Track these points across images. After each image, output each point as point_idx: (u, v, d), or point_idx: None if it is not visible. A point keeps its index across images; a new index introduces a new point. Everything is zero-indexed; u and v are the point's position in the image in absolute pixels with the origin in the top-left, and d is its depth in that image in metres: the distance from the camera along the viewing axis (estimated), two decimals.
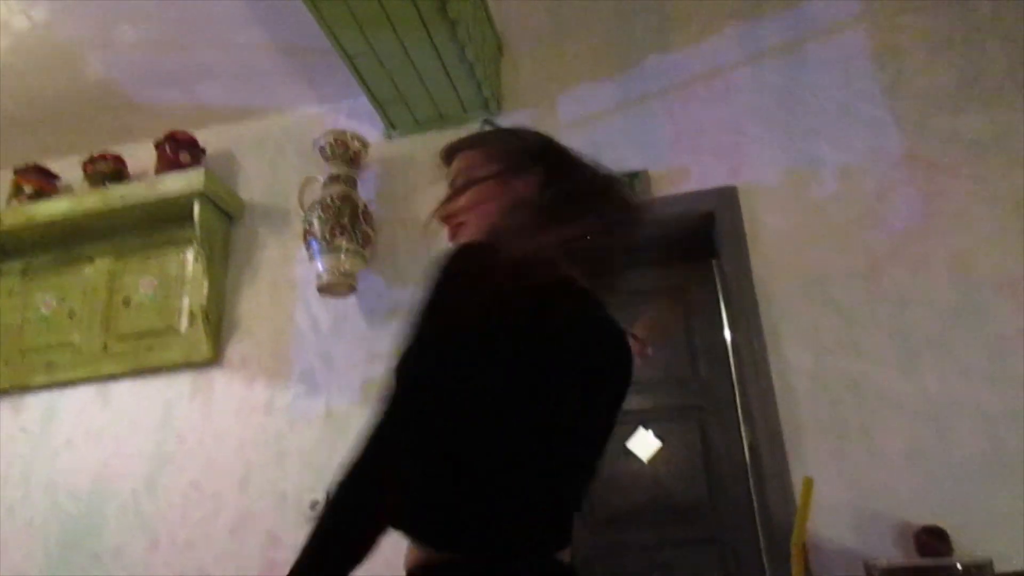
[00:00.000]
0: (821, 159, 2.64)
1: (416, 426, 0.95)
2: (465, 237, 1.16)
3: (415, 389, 0.97)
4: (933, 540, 2.12)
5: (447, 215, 1.21)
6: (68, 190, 3.22)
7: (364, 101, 2.96)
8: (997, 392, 2.26)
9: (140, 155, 3.21)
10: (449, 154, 1.27)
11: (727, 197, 2.68)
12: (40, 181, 3.16)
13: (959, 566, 2.00)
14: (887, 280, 2.44)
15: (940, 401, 2.28)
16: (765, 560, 2.46)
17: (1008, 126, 2.52)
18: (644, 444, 2.80)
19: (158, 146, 3.07)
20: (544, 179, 1.17)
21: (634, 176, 2.73)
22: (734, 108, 2.78)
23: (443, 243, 1.14)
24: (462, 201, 1.19)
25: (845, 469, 2.29)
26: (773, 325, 2.48)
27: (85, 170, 3.13)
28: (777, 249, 2.57)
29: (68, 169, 3.29)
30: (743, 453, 2.65)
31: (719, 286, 2.82)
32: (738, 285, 2.58)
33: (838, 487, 2.27)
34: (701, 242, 2.80)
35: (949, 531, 2.11)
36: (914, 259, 2.44)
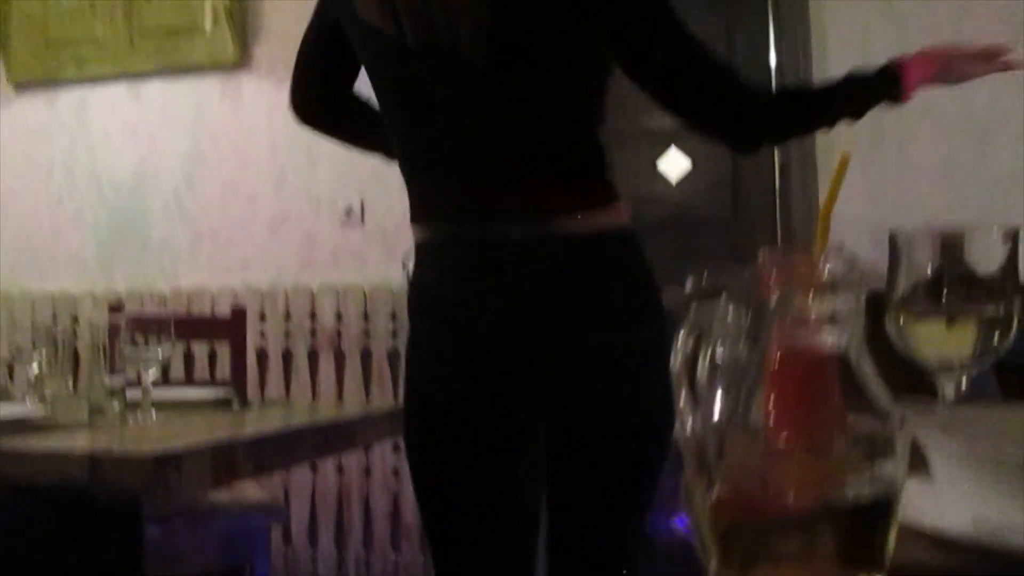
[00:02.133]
0: None
1: None
2: None
3: None
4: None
5: None
6: None
7: None
8: None
9: None
10: None
11: None
12: None
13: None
14: None
15: (985, 114, 2.22)
16: None
17: None
18: (673, 164, 2.79)
19: None
20: None
21: None
22: None
23: None
24: None
25: (874, 184, 2.28)
26: (822, 35, 2.35)
27: None
28: None
29: None
30: (773, 173, 2.65)
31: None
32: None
33: (863, 201, 2.27)
34: None
35: None
36: None
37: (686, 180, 2.78)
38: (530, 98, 1.12)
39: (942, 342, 0.60)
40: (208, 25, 2.84)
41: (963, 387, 0.62)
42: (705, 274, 0.44)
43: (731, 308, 0.41)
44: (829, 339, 0.36)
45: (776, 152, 2.60)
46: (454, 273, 1.13)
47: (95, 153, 2.97)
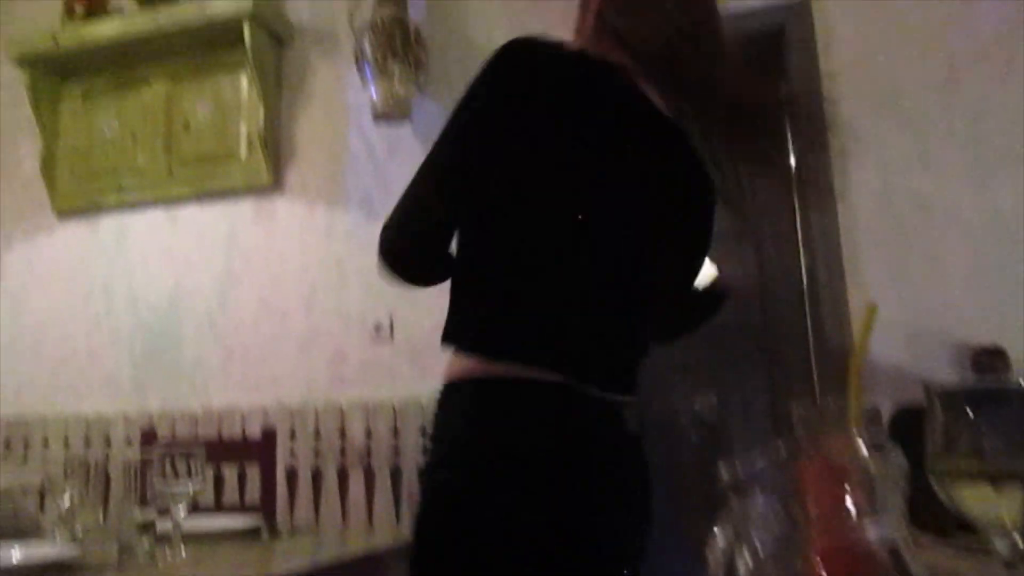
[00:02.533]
0: None
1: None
2: None
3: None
4: (991, 359, 2.11)
5: None
6: (119, 10, 3.18)
7: None
8: None
9: None
10: None
11: (799, 10, 2.51)
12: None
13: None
14: (966, 90, 2.30)
15: (1012, 218, 2.21)
16: (816, 380, 2.50)
17: None
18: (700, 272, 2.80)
19: None
20: None
21: None
22: None
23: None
24: None
25: (905, 289, 2.26)
26: (840, 144, 2.39)
27: None
28: (849, 63, 2.43)
29: None
30: (801, 277, 2.64)
31: (786, 106, 2.71)
32: (806, 104, 2.46)
33: (895, 307, 2.26)
34: (767, 60, 2.66)
35: (1009, 350, 2.10)
36: (998, 66, 2.29)
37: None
38: (662, 281, 1.16)
39: (989, 503, 0.57)
40: (243, 151, 2.97)
41: (1020, 546, 0.60)
42: (738, 465, 0.43)
43: (767, 505, 0.40)
44: (873, 534, 0.35)
45: (802, 254, 2.60)
46: (577, 428, 1.00)
47: (132, 276, 3.06)
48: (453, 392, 1.03)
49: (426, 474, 1.05)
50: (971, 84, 2.30)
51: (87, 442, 2.92)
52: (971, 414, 0.59)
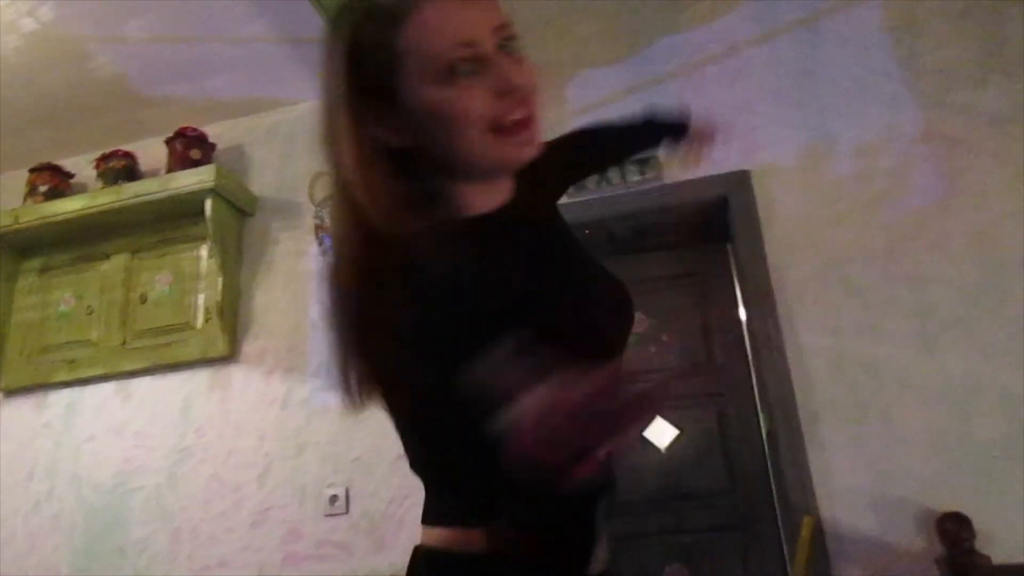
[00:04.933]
0: (837, 137, 2.58)
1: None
2: (539, 136, 0.86)
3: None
4: (956, 526, 2.09)
5: (528, 82, 0.84)
6: (82, 188, 3.24)
7: None
8: (1020, 373, 2.21)
9: (152, 151, 3.21)
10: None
11: (740, 181, 2.63)
12: (55, 179, 3.18)
13: None
14: (906, 260, 2.39)
15: (961, 383, 2.24)
16: (784, 545, 2.45)
17: None
18: (660, 433, 2.78)
19: (169, 143, 3.08)
20: None
21: (645, 162, 2.68)
22: (747, 87, 2.73)
23: None
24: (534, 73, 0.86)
25: (864, 453, 2.26)
26: (789, 308, 2.44)
27: (98, 167, 3.14)
28: (792, 231, 2.53)
29: (81, 167, 3.31)
30: (761, 438, 2.63)
31: (734, 270, 2.79)
32: (753, 269, 2.54)
33: (857, 472, 2.24)
34: (715, 226, 2.77)
35: (971, 516, 2.08)
36: (934, 238, 2.39)
37: (678, 455, 2.75)
38: None
39: None
40: (200, 322, 2.95)
41: None
42: None
43: None
44: None
45: (761, 420, 2.60)
46: None
47: (79, 454, 2.95)
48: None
49: None
50: (910, 255, 2.39)
51: None
52: None
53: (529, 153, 0.84)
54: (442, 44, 0.79)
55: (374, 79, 0.81)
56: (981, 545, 2.06)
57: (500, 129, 0.80)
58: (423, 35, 0.79)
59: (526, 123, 0.82)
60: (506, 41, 0.82)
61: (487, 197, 0.88)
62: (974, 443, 2.18)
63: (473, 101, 0.79)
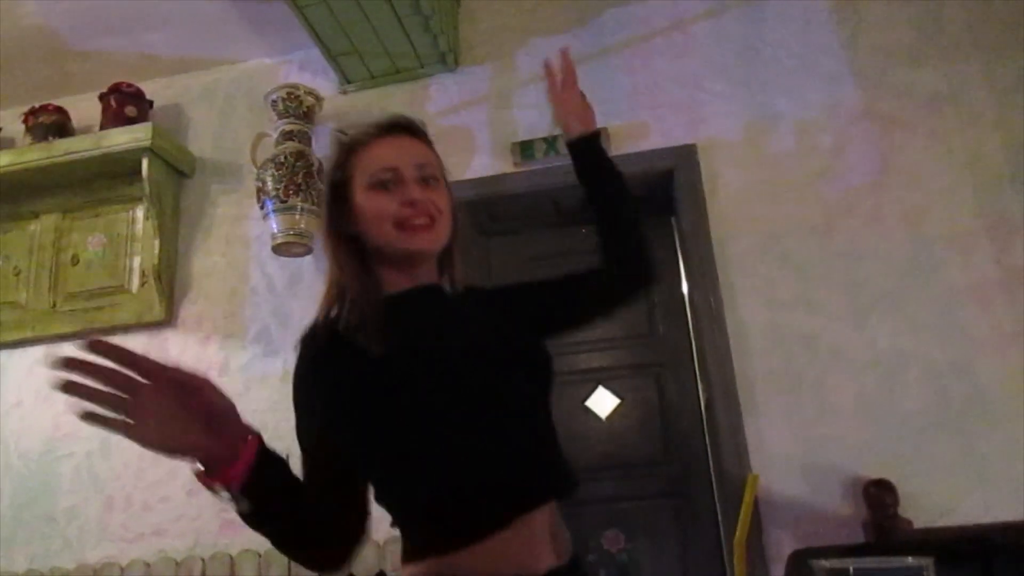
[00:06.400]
0: (779, 114, 2.62)
1: None
2: (436, 239, 1.18)
3: None
4: (880, 493, 2.17)
5: (429, 202, 1.16)
6: (9, 144, 3.10)
7: (317, 53, 2.87)
8: (945, 345, 2.30)
9: (84, 107, 3.09)
10: (421, 135, 1.24)
11: (686, 155, 2.65)
12: None
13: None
14: (841, 235, 2.45)
15: (889, 355, 2.32)
16: (719, 514, 2.51)
17: (965, 82, 2.52)
18: (602, 402, 2.82)
19: (103, 98, 2.96)
20: None
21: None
22: (694, 62, 2.75)
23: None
24: (443, 200, 1.19)
25: (797, 422, 2.32)
26: (730, 281, 2.49)
27: (26, 122, 3.01)
28: (734, 205, 2.57)
29: (8, 121, 3.16)
30: (699, 408, 2.68)
31: (677, 243, 2.82)
32: (696, 242, 2.57)
33: (790, 440, 2.31)
34: (660, 199, 2.79)
35: (896, 483, 2.16)
36: (868, 214, 2.46)
37: (618, 425, 2.79)
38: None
39: None
40: (135, 286, 2.87)
41: None
42: None
43: None
44: None
45: (700, 390, 2.65)
46: None
47: (5, 420, 2.85)
48: None
49: None
50: (844, 230, 2.45)
51: None
52: None
53: (421, 245, 1.15)
54: (374, 166, 1.16)
55: (339, 186, 1.19)
56: (904, 510, 2.15)
57: (402, 226, 1.13)
58: (365, 160, 1.18)
59: (425, 227, 1.14)
60: (424, 174, 1.17)
61: (400, 278, 1.18)
62: (900, 412, 2.27)
63: (385, 205, 1.14)
